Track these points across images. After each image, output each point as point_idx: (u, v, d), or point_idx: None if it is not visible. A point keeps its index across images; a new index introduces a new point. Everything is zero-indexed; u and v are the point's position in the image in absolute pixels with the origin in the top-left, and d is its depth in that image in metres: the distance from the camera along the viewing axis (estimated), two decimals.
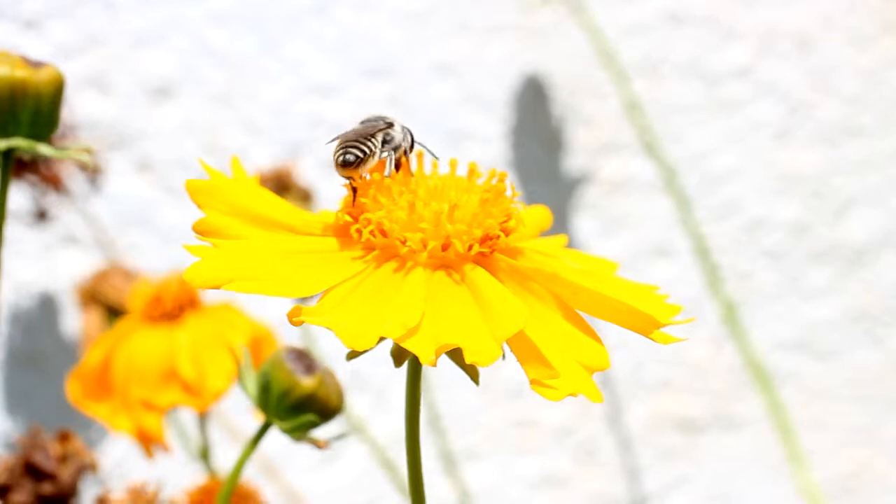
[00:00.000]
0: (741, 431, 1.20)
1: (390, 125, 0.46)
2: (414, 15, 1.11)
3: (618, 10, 1.14)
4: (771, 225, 1.19)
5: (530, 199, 1.13)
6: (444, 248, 0.41)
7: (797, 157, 1.19)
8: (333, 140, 0.45)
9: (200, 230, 0.42)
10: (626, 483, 1.18)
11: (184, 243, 0.41)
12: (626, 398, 1.17)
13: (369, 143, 0.45)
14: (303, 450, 1.07)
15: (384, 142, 0.45)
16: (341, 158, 0.44)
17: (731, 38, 1.17)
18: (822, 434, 1.23)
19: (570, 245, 0.46)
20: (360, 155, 0.44)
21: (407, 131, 0.46)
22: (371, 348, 0.38)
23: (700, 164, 1.17)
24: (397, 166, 0.45)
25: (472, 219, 0.41)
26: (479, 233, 0.41)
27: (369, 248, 0.41)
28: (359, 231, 0.41)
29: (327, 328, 0.38)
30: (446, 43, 1.11)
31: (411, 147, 0.46)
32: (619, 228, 1.16)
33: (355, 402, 1.07)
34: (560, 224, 1.14)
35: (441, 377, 1.06)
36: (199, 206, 0.43)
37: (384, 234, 0.41)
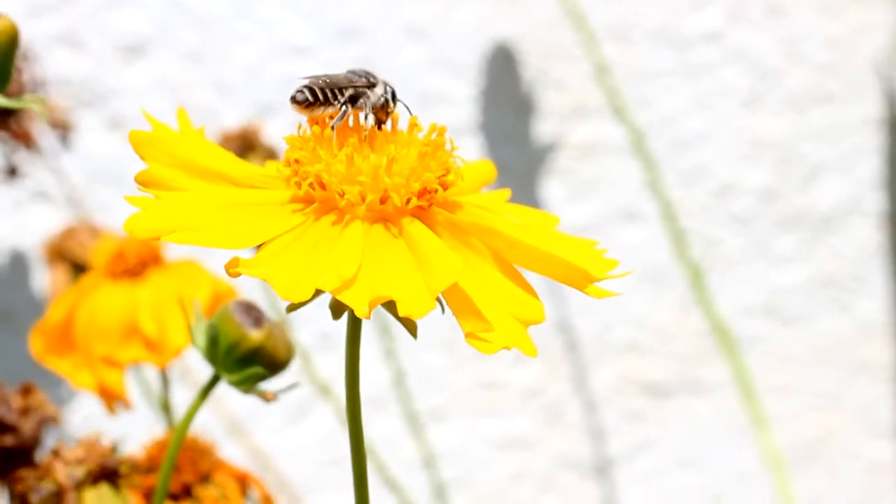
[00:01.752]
0: (707, 396, 1.21)
1: (371, 85, 0.46)
2: None
3: None
4: (739, 190, 1.20)
5: (500, 162, 1.13)
6: (383, 201, 0.41)
7: (766, 124, 1.20)
8: (306, 77, 0.46)
9: (143, 181, 0.43)
10: (592, 445, 1.19)
11: (125, 194, 0.41)
12: (592, 361, 1.18)
13: (332, 93, 0.45)
14: (270, 410, 1.08)
15: (353, 98, 0.46)
16: (292, 94, 0.45)
17: (701, 3, 1.17)
18: (788, 399, 1.24)
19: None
20: (310, 98, 0.45)
21: (389, 91, 0.46)
22: (307, 300, 0.39)
23: (669, 129, 1.18)
24: (379, 125, 0.45)
25: (410, 172, 0.42)
26: (416, 186, 0.42)
27: (309, 200, 0.42)
28: (298, 184, 0.42)
29: (263, 279, 0.38)
30: (418, 6, 1.12)
31: (390, 104, 0.46)
32: (588, 192, 1.16)
33: (322, 362, 1.07)
34: (530, 188, 1.15)
35: (408, 338, 1.06)
36: (142, 158, 0.43)
37: (323, 186, 0.41)
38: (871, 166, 1.23)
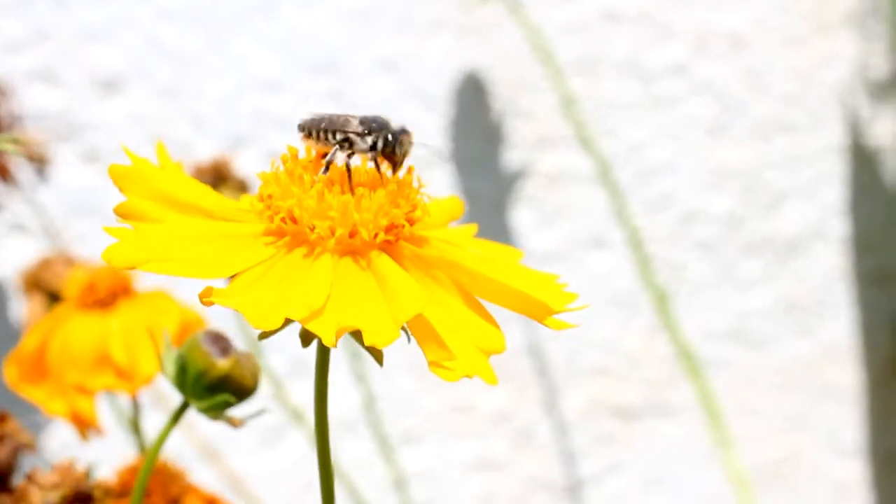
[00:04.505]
0: (674, 418, 1.23)
1: (365, 133, 0.47)
2: (358, 13, 1.13)
3: (556, 9, 1.17)
4: (704, 217, 1.22)
5: (470, 190, 1.15)
6: (352, 235, 0.43)
7: (730, 153, 1.22)
8: (322, 113, 0.48)
9: (121, 213, 0.44)
10: (563, 467, 1.21)
11: (104, 226, 0.43)
12: (562, 385, 1.20)
13: (325, 133, 0.47)
14: (243, 434, 1.09)
15: (345, 141, 0.47)
16: (298, 122, 0.47)
17: (666, 37, 1.20)
18: (754, 421, 1.26)
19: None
20: (306, 132, 0.47)
21: (382, 140, 0.47)
22: (278, 329, 0.40)
23: (635, 159, 1.20)
24: (382, 168, 0.47)
25: (378, 208, 0.43)
26: (384, 222, 0.43)
27: (281, 234, 0.43)
28: (271, 217, 0.43)
29: (235, 309, 0.40)
30: (389, 40, 1.14)
31: (393, 150, 0.47)
32: (556, 220, 1.18)
33: (295, 389, 1.09)
34: (499, 216, 1.16)
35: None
36: (122, 191, 0.45)
37: (294, 220, 0.43)
38: (834, 193, 1.25)
